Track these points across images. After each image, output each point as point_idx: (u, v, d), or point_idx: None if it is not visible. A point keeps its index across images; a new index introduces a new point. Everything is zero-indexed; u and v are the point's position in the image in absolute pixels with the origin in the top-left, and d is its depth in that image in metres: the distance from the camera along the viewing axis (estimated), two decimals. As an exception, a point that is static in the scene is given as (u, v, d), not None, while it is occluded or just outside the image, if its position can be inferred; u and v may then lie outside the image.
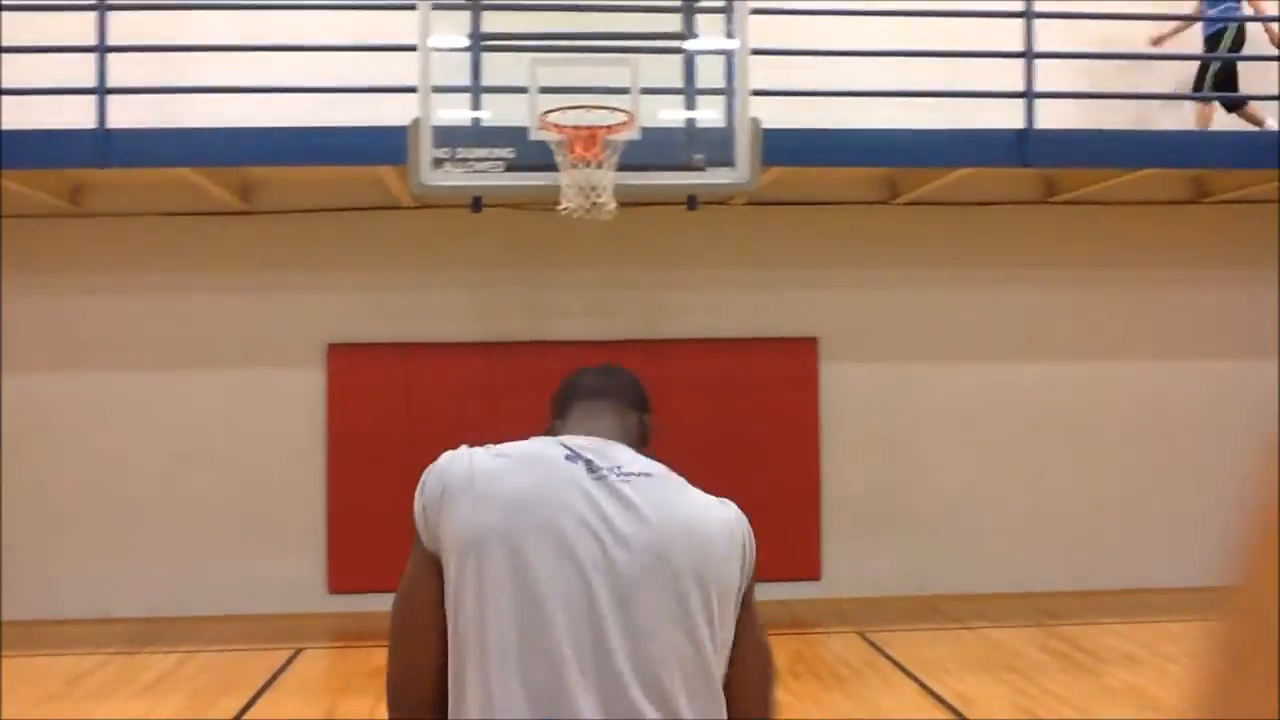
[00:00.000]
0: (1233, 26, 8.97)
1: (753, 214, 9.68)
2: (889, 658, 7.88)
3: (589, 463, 1.90)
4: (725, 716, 1.87)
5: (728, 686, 1.90)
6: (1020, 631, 8.57)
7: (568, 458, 1.91)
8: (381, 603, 2.24)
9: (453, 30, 7.42)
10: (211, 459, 9.31)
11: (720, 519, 1.96)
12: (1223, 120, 9.12)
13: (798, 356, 9.88)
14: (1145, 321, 10.08)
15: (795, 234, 9.84)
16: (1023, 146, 8.27)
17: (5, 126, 7.67)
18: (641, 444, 2.11)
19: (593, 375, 2.20)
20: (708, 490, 2.03)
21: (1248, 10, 9.12)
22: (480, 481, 1.85)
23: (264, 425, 9.42)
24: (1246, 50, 9.07)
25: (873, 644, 8.24)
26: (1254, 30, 9.24)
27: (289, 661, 7.98)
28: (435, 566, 1.86)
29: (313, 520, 9.37)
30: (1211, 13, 9.02)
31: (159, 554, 9.32)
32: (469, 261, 9.60)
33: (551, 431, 2.07)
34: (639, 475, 1.92)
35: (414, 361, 9.53)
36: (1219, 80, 9.05)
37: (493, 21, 7.53)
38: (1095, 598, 9.58)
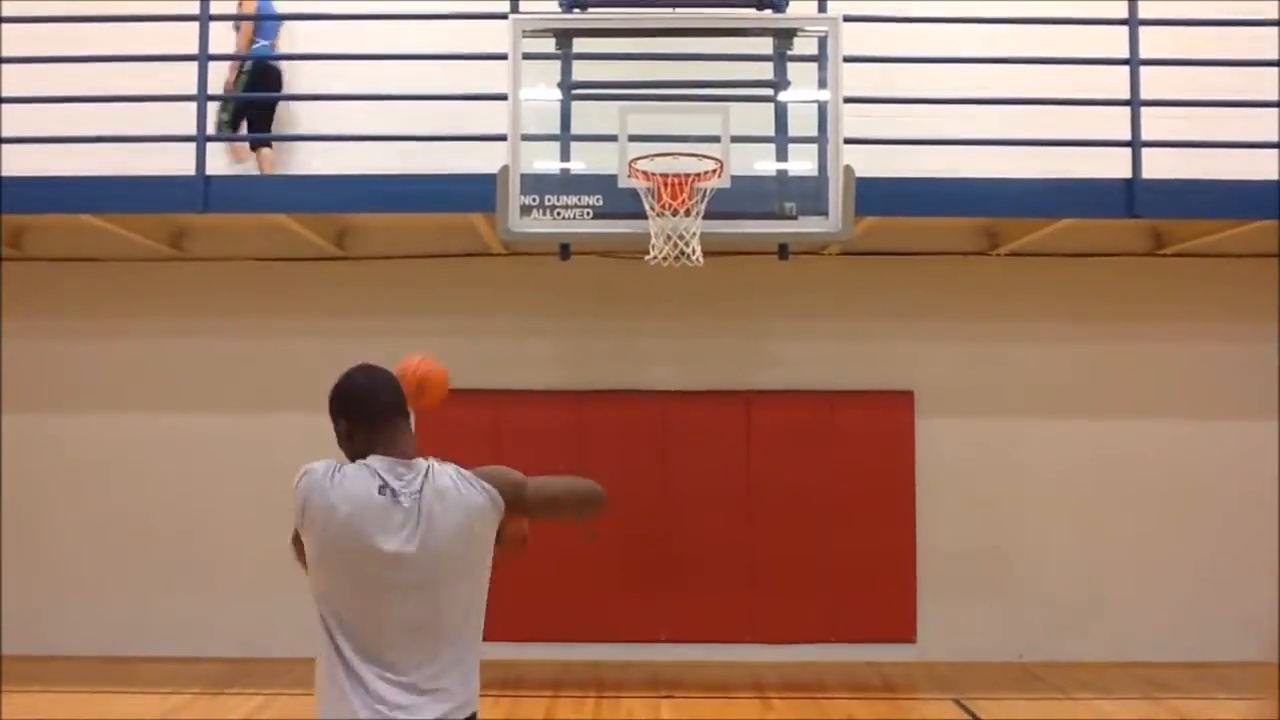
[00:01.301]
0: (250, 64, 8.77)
1: (847, 264, 9.51)
2: (986, 727, 7.56)
3: (392, 492, 2.87)
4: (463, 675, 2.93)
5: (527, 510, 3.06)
6: (1127, 704, 8.16)
7: (380, 489, 2.87)
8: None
9: (544, 78, 7.45)
10: (301, 502, 9.38)
11: (458, 499, 2.92)
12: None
13: (893, 410, 9.64)
14: (1263, 378, 9.61)
15: (891, 285, 9.64)
16: (1129, 196, 7.99)
17: (109, 173, 7.91)
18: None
19: (382, 390, 3.06)
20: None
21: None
22: (329, 507, 2.86)
23: (353, 469, 9.47)
24: None
25: (969, 711, 7.92)
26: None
27: (370, 708, 7.92)
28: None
29: (399, 566, 9.35)
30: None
31: (246, 594, 9.40)
32: (558, 309, 9.59)
33: (367, 442, 2.99)
34: (420, 492, 2.89)
35: (502, 409, 9.51)
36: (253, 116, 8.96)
37: (583, 70, 7.55)
38: (1209, 670, 9.10)
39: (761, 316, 9.70)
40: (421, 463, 2.97)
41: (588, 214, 7.18)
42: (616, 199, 7.12)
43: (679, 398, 9.59)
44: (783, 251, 8.00)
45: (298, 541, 3.00)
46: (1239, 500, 9.55)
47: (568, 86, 7.51)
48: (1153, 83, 8.10)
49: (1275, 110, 8.30)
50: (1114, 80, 8.12)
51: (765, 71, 7.67)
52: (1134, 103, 7.99)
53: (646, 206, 6.96)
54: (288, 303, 9.64)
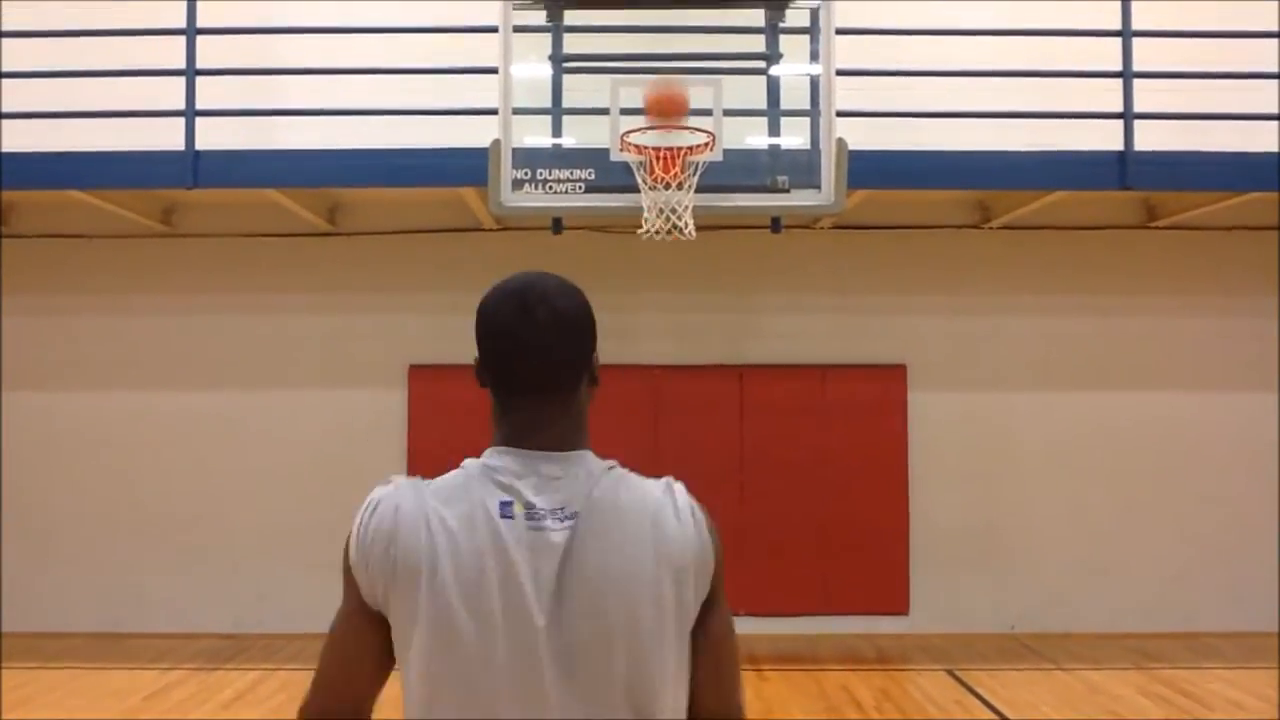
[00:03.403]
0: None
1: (839, 238, 9.51)
2: (980, 697, 7.60)
3: (528, 509, 1.74)
4: None
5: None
6: (1119, 674, 8.21)
7: (503, 510, 1.73)
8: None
9: (535, 51, 7.41)
10: (294, 477, 9.39)
11: (672, 539, 1.81)
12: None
13: (886, 384, 9.66)
14: (1254, 351, 9.64)
15: (883, 258, 9.64)
16: (1121, 169, 7.98)
17: (97, 148, 7.86)
18: (590, 387, 1.96)
19: (533, 333, 1.83)
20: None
21: None
22: (430, 564, 1.69)
23: (346, 445, 9.48)
24: None
25: (962, 683, 7.96)
26: None
27: (365, 683, 7.95)
28: (372, 618, 1.74)
29: (393, 541, 9.37)
30: None
31: (242, 570, 9.43)
32: (551, 284, 9.54)
33: (494, 422, 1.89)
34: (579, 514, 1.75)
35: (495, 384, 9.51)
36: None
37: (575, 43, 7.50)
38: (1199, 640, 9.16)
39: (754, 290, 9.69)
40: (588, 460, 1.85)
41: (580, 188, 7.16)
42: (609, 173, 7.08)
43: (672, 372, 9.60)
44: (775, 225, 7.99)
45: (369, 625, 1.74)
46: (1230, 472, 9.59)
47: (559, 59, 7.47)
48: (1145, 55, 8.08)
49: (1267, 82, 8.29)
50: (1107, 52, 8.11)
51: (758, 44, 7.64)
52: (1126, 75, 7.98)
53: (639, 180, 6.93)
54: (279, 279, 9.61)
